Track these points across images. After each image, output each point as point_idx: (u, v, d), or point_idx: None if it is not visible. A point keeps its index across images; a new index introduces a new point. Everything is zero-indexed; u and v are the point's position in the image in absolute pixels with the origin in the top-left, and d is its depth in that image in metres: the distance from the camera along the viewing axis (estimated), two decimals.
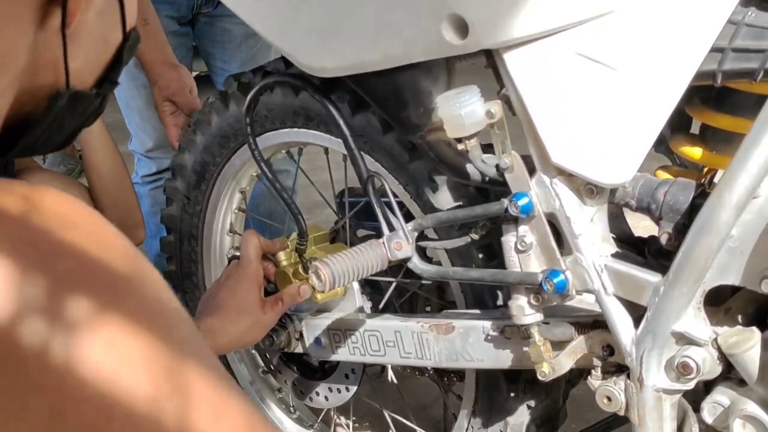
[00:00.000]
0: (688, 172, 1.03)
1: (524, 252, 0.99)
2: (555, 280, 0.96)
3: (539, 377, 1.02)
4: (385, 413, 1.47)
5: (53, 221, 0.42)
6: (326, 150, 1.39)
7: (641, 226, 1.28)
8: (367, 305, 1.32)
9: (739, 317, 0.94)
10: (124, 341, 0.41)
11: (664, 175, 1.01)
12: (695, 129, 1.04)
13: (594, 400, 1.21)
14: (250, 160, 1.41)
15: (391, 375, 1.44)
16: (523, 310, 1.01)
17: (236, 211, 1.53)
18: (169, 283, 1.62)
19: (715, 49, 0.85)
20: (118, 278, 0.44)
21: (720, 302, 0.95)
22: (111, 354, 0.41)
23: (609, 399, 0.97)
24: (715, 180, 1.04)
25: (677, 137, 1.01)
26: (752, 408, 0.88)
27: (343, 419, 1.80)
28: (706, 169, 1.03)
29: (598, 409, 1.46)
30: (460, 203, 1.16)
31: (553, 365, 1.02)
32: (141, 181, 2.17)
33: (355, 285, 1.30)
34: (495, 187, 1.02)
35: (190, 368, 0.45)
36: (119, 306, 0.42)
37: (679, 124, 1.02)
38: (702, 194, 0.91)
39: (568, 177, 0.95)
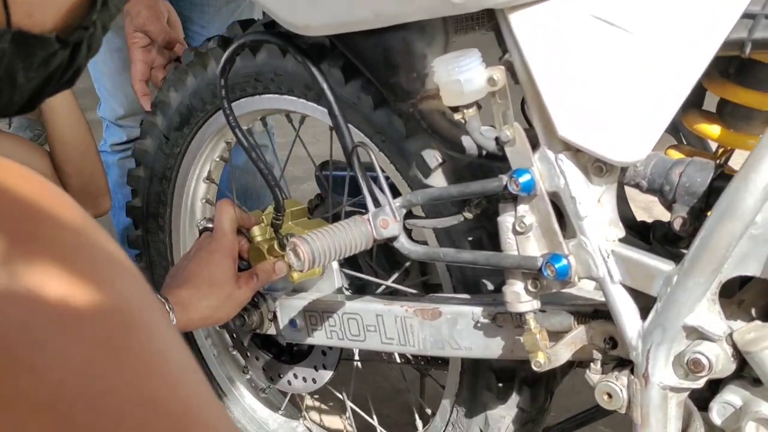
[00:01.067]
0: (702, 152, 0.95)
1: (523, 234, 0.91)
2: (556, 266, 0.88)
3: (534, 367, 0.95)
4: (347, 404, 1.39)
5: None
6: (302, 119, 1.30)
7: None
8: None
9: (753, 310, 0.87)
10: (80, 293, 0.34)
11: (676, 154, 0.93)
12: (707, 105, 0.97)
13: (574, 388, 1.14)
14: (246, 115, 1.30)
15: (357, 362, 1.36)
16: (519, 296, 0.93)
17: (217, 159, 1.42)
18: (132, 218, 1.51)
19: (746, 15, 0.77)
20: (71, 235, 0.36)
21: (729, 294, 0.88)
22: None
23: (609, 396, 0.90)
24: (731, 161, 0.96)
25: (691, 113, 0.93)
26: (767, 410, 0.81)
27: (312, 401, 1.72)
28: (721, 150, 0.95)
29: (577, 398, 1.41)
30: (451, 180, 1.07)
31: (549, 355, 0.94)
32: (110, 149, 2.05)
33: (335, 264, 1.21)
34: (493, 163, 0.93)
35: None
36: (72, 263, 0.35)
37: (692, 99, 0.94)
38: (721, 176, 0.83)
39: (575, 153, 0.86)
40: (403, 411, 1.73)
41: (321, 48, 1.09)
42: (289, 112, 1.29)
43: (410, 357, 1.36)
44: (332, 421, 1.70)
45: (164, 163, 1.41)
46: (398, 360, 1.40)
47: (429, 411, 1.31)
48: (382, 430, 1.38)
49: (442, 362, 1.28)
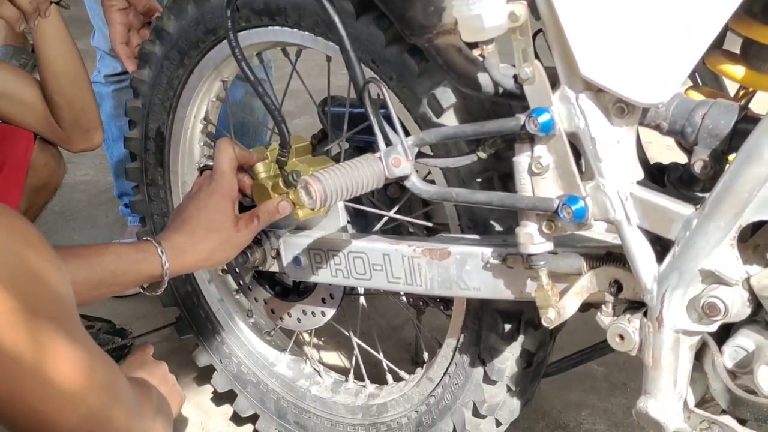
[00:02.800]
0: (723, 93, 0.93)
1: (539, 175, 0.89)
2: (573, 207, 0.87)
3: (544, 323, 0.95)
4: (353, 340, 1.39)
5: None
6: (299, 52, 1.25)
7: None
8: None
9: None
10: None
11: (697, 96, 0.91)
12: (728, 45, 0.94)
13: (567, 327, 1.15)
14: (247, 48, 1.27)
15: (362, 299, 1.36)
16: (533, 238, 0.92)
17: (214, 99, 1.39)
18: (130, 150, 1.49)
19: None
20: None
21: (743, 239, 0.87)
22: None
23: (622, 338, 0.90)
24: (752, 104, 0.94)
25: (714, 54, 0.90)
26: None
27: (315, 339, 1.73)
28: (742, 92, 0.93)
29: (570, 337, 1.42)
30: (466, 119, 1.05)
31: (558, 309, 0.94)
32: (103, 80, 2.00)
33: (340, 203, 1.19)
34: (510, 101, 0.91)
35: None
36: None
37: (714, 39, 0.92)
38: (745, 118, 0.82)
39: (597, 93, 0.84)
40: (399, 348, 1.75)
41: None
42: (295, 46, 1.26)
43: (410, 300, 1.35)
44: (334, 358, 1.71)
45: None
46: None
47: (426, 355, 1.31)
48: (388, 363, 1.38)
49: (444, 305, 1.28)
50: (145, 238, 1.10)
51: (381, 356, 1.37)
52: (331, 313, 1.30)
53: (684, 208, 0.83)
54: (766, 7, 0.85)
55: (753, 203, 0.78)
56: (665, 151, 2.24)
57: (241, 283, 1.40)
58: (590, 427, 1.53)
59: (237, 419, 1.54)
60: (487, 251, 1.02)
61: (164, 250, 1.08)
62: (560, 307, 0.93)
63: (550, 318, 0.93)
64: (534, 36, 0.89)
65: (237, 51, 1.07)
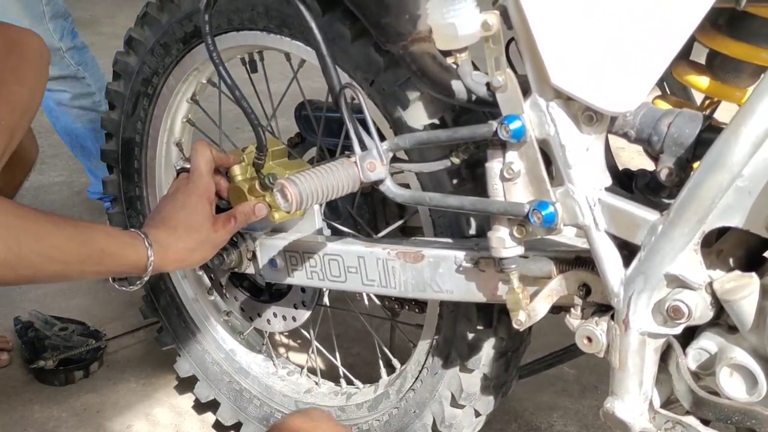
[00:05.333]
0: (688, 103, 0.96)
1: (510, 180, 0.91)
2: (543, 212, 0.89)
3: (515, 325, 0.96)
4: (314, 343, 1.41)
5: None
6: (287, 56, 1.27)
7: None
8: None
9: (731, 260, 0.89)
10: None
11: (664, 105, 0.93)
12: (695, 56, 0.97)
13: (540, 330, 1.17)
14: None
15: (326, 300, 1.37)
16: (504, 242, 0.94)
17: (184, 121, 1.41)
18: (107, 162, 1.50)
19: None
20: None
21: (707, 244, 0.90)
22: None
23: (589, 340, 0.92)
24: (716, 114, 0.97)
25: (680, 64, 0.93)
26: (742, 356, 0.83)
27: (290, 341, 1.74)
28: (707, 102, 0.96)
29: (544, 339, 1.44)
30: (436, 123, 1.07)
31: (528, 312, 0.96)
32: None
33: (315, 205, 1.20)
34: (483, 108, 0.93)
35: None
36: None
37: (681, 49, 0.94)
38: (709, 128, 0.84)
39: (567, 101, 0.86)
40: (373, 350, 1.76)
41: None
42: (266, 50, 1.27)
43: (385, 303, 1.37)
44: (302, 359, 1.72)
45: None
46: (367, 305, 1.42)
47: (398, 363, 1.33)
48: (344, 370, 1.40)
49: (419, 307, 1.30)
50: (131, 230, 1.10)
51: (338, 362, 1.39)
52: (303, 317, 1.31)
53: (650, 214, 0.85)
54: (731, 19, 0.88)
55: (716, 210, 0.80)
56: (637, 156, 2.29)
57: (219, 284, 1.41)
58: (562, 428, 1.56)
59: (216, 425, 1.55)
60: (460, 254, 1.04)
61: (150, 242, 1.08)
62: (530, 310, 0.96)
63: (520, 320, 0.95)
64: (507, 45, 0.91)
65: (214, 55, 1.08)
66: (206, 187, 1.17)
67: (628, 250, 0.88)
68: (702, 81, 0.90)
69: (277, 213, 1.18)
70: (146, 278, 1.09)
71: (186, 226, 1.14)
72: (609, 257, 0.88)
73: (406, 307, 1.31)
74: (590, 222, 0.88)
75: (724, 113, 0.94)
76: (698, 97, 1.02)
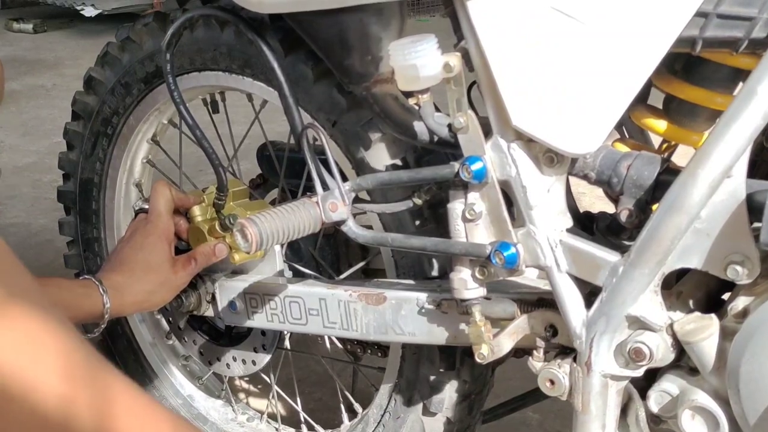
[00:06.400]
0: (647, 146, 0.97)
1: (472, 221, 0.91)
2: (505, 254, 0.89)
3: (477, 359, 0.95)
4: (274, 388, 1.38)
5: None
6: (249, 96, 1.27)
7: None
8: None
9: (691, 302, 0.89)
10: (33, 334, 0.32)
11: (623, 148, 0.95)
12: (651, 101, 0.99)
13: (504, 374, 1.16)
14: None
15: (287, 343, 1.35)
16: (466, 283, 0.94)
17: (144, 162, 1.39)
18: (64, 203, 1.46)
19: (698, 14, 0.79)
20: (16, 271, 0.34)
21: (667, 286, 0.90)
22: (16, 347, 0.31)
23: (552, 383, 0.91)
24: (674, 156, 0.98)
25: (638, 108, 0.95)
26: (703, 398, 0.83)
27: (250, 386, 1.70)
28: (665, 145, 0.97)
29: (508, 384, 1.43)
30: (398, 163, 1.07)
31: (492, 347, 0.95)
32: None
33: (276, 246, 1.19)
34: (445, 149, 0.93)
35: (105, 365, 0.37)
36: (23, 297, 0.32)
37: (638, 94, 0.96)
38: (667, 170, 0.85)
39: (527, 142, 0.87)
40: (335, 395, 1.74)
41: (261, 23, 1.07)
42: (226, 90, 1.27)
43: (347, 346, 1.35)
44: (262, 405, 1.69)
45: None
46: (329, 348, 1.40)
47: (360, 407, 1.31)
48: (305, 415, 1.38)
49: (381, 351, 1.28)
50: (84, 276, 1.07)
51: (299, 407, 1.36)
52: (263, 361, 1.28)
53: (611, 256, 0.86)
54: (686, 64, 0.89)
55: (675, 251, 0.81)
56: (597, 202, 2.31)
57: (177, 327, 1.38)
58: None
59: None
60: (422, 296, 1.03)
61: (105, 288, 1.06)
62: (494, 344, 0.94)
63: (483, 354, 0.94)
64: (469, 87, 0.92)
65: (176, 94, 1.08)
66: (165, 227, 1.15)
67: (589, 292, 0.88)
68: (659, 124, 0.92)
69: (238, 254, 1.16)
70: (104, 325, 1.07)
71: (144, 267, 1.12)
72: (571, 299, 0.88)
73: (369, 351, 1.30)
74: (552, 263, 0.88)
75: (681, 157, 0.95)
76: (656, 141, 1.04)
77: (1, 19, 4.51)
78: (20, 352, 0.34)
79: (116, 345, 1.49)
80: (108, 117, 1.35)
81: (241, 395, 1.69)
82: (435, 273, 1.10)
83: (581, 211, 1.02)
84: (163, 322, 1.45)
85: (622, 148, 0.95)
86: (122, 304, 1.08)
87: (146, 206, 1.20)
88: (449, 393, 1.15)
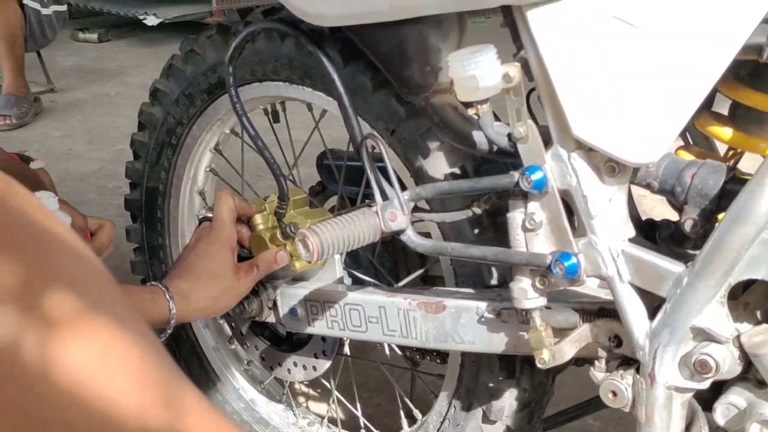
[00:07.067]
0: (712, 154, 0.96)
1: (532, 231, 0.91)
2: (566, 264, 0.88)
3: (538, 364, 0.95)
4: (334, 393, 1.39)
5: (29, 207, 0.33)
6: (309, 106, 1.29)
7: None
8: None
9: (758, 313, 0.87)
10: (111, 344, 0.32)
11: (687, 156, 0.93)
12: (717, 107, 0.97)
13: (563, 382, 1.15)
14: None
15: (346, 349, 1.36)
16: (526, 293, 0.93)
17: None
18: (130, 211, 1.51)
19: (766, 21, 0.77)
20: (96, 275, 0.35)
21: (734, 296, 0.88)
22: (95, 357, 0.32)
23: (615, 394, 0.90)
24: (740, 164, 0.97)
25: (703, 115, 0.93)
26: None
27: (310, 390, 1.72)
28: (731, 152, 0.95)
29: (567, 391, 1.42)
30: (457, 172, 1.07)
31: (553, 352, 0.94)
32: None
33: (336, 254, 1.20)
34: (504, 159, 0.93)
35: (179, 377, 0.38)
36: (102, 304, 0.33)
37: (703, 101, 0.94)
38: (733, 179, 0.84)
39: (588, 152, 0.86)
40: (394, 401, 1.74)
41: (320, 35, 1.08)
42: (289, 100, 1.29)
43: (405, 353, 1.36)
44: (322, 409, 1.70)
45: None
46: (388, 355, 1.40)
47: (419, 414, 1.31)
48: (364, 420, 1.38)
49: (440, 358, 1.28)
50: (151, 283, 1.10)
51: (359, 413, 1.37)
52: (324, 367, 1.30)
53: (675, 266, 0.84)
54: (753, 72, 0.87)
55: (742, 262, 0.79)
56: (659, 205, 2.27)
57: (240, 334, 1.41)
58: None
59: None
60: (482, 305, 1.03)
61: (171, 295, 1.09)
62: (555, 350, 0.94)
63: (544, 359, 0.93)
64: (528, 95, 0.91)
65: (238, 106, 1.10)
66: (228, 235, 1.18)
67: (653, 302, 0.87)
68: (725, 132, 0.90)
69: (298, 262, 1.18)
70: (170, 331, 1.09)
71: (208, 274, 1.14)
72: (633, 309, 0.87)
73: (428, 358, 1.30)
74: (614, 273, 0.87)
75: (748, 164, 0.93)
76: (721, 148, 1.02)
77: (66, 30, 4.64)
78: (98, 364, 0.35)
79: (180, 350, 1.52)
80: (172, 127, 1.38)
81: (302, 400, 1.71)
82: (494, 282, 1.09)
83: (643, 218, 1.01)
84: (226, 327, 1.47)
85: (687, 156, 0.94)
86: (187, 310, 1.11)
87: (210, 215, 1.23)
88: (509, 401, 1.15)
